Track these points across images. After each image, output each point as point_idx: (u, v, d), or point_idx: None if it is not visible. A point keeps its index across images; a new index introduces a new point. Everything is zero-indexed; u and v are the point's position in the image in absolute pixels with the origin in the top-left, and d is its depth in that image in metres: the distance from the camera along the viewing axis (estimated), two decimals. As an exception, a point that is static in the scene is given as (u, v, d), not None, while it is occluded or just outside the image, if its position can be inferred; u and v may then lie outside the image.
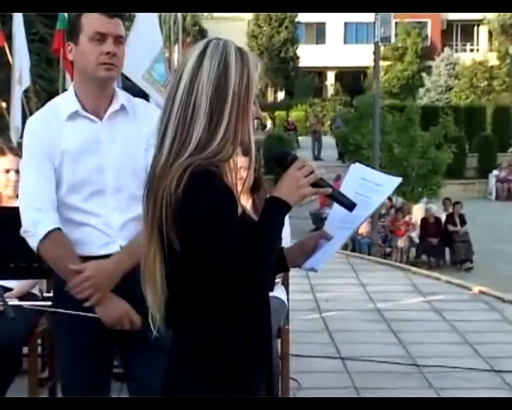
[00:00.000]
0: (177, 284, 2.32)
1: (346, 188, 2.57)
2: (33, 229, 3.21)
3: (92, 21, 3.26)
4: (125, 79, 10.80)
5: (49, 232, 3.20)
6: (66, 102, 3.36)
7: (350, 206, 2.47)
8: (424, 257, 19.13)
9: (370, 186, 2.58)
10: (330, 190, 2.42)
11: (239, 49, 2.35)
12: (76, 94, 3.34)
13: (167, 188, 2.25)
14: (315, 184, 2.38)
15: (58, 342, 3.60)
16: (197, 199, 2.23)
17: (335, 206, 2.56)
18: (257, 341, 2.37)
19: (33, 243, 3.23)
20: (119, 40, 3.29)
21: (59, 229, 3.21)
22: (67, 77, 10.31)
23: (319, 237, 2.57)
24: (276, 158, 2.46)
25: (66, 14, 10.29)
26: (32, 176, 3.26)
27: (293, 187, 2.35)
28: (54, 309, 3.40)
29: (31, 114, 10.60)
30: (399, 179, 2.63)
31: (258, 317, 2.39)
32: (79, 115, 3.30)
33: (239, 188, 2.38)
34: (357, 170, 2.65)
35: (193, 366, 2.32)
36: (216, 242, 2.22)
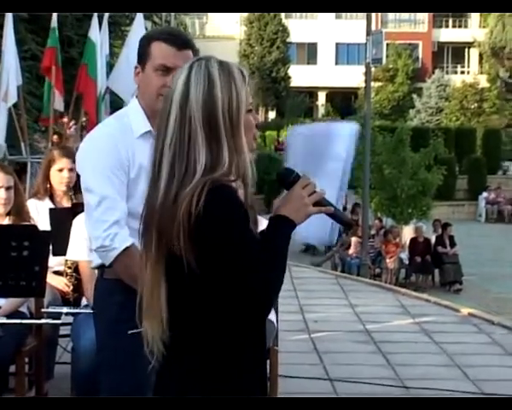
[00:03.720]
0: (186, 307, 2.27)
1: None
2: (109, 243, 3.10)
3: (160, 52, 3.19)
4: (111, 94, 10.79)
5: (128, 247, 3.12)
6: (135, 122, 3.27)
7: (349, 225, 2.49)
8: (413, 278, 19.17)
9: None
10: (332, 209, 2.43)
11: (221, 65, 2.30)
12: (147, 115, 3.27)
13: (184, 209, 2.18)
14: (317, 203, 2.38)
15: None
16: (219, 211, 2.19)
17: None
18: (263, 362, 2.39)
19: (108, 258, 3.12)
20: None
21: (133, 244, 3.09)
22: (57, 94, 10.32)
23: None
24: (280, 176, 2.45)
25: (57, 32, 10.30)
26: (107, 189, 3.14)
27: (298, 205, 2.35)
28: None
29: (21, 130, 10.61)
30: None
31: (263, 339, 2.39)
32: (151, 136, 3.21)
33: None
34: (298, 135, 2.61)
35: (200, 391, 2.26)
36: (240, 253, 2.19)
